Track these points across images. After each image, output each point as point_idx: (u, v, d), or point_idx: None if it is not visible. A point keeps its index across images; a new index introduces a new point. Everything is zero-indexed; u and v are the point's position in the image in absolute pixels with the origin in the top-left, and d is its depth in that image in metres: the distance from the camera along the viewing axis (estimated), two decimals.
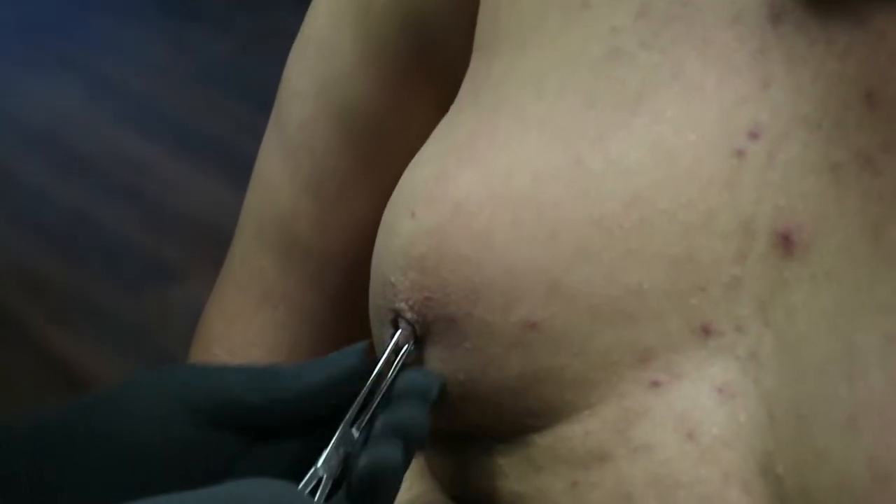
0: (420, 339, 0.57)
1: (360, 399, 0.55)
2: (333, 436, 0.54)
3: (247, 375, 0.54)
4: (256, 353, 0.68)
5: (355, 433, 0.55)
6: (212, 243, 2.40)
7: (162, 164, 2.50)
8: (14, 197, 2.42)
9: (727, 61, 0.55)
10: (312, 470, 0.53)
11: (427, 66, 0.64)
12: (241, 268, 0.69)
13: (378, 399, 0.55)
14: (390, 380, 0.56)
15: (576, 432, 0.56)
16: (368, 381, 0.56)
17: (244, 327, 0.67)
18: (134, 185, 2.45)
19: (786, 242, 0.54)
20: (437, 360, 0.57)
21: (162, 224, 2.35)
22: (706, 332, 0.55)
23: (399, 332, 0.57)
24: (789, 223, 0.54)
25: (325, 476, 0.53)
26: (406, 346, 0.57)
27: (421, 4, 0.63)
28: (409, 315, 0.57)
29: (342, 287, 0.67)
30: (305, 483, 0.53)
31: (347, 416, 0.55)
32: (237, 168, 2.55)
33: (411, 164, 0.60)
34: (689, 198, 0.55)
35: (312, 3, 0.66)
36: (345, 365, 0.55)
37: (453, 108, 0.60)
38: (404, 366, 0.57)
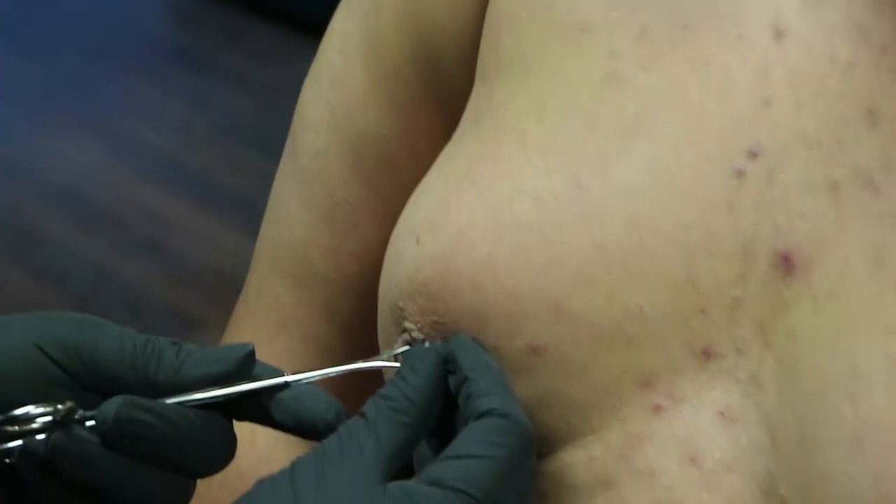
0: None
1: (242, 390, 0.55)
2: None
3: (129, 351, 0.54)
4: None
5: None
6: (232, 294, 2.39)
7: (183, 218, 2.51)
8: (37, 252, 2.43)
9: (728, 81, 0.55)
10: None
11: (435, 97, 0.64)
12: (256, 298, 0.69)
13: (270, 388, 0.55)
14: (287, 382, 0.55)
15: (580, 458, 0.56)
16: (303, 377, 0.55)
17: (261, 357, 0.67)
18: (155, 238, 2.46)
19: (786, 263, 0.53)
20: None
21: (183, 276, 2.36)
22: (707, 355, 0.54)
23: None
24: (789, 243, 0.54)
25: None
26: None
27: (428, 37, 0.63)
28: (417, 336, 0.57)
29: (354, 316, 0.67)
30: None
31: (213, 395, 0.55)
32: (257, 220, 2.55)
33: (415, 192, 0.60)
34: (690, 220, 0.54)
35: (325, 35, 0.67)
36: (228, 363, 0.55)
37: (456, 135, 0.61)
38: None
